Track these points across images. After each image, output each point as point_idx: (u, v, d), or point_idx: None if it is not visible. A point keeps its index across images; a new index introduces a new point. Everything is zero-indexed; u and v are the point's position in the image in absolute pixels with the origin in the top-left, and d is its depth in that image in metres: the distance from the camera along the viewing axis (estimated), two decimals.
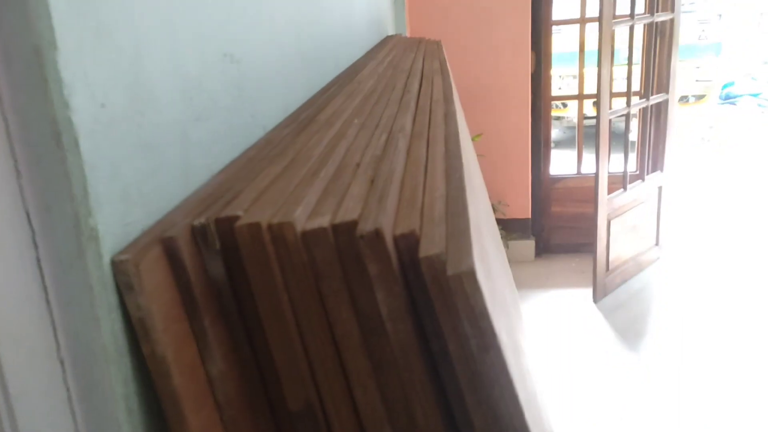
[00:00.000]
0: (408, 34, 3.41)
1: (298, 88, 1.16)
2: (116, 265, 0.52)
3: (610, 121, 3.19)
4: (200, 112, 0.71)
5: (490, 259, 0.87)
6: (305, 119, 1.06)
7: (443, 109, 1.25)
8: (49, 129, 0.47)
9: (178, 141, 0.65)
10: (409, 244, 0.63)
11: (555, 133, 6.65)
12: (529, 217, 3.68)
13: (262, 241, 0.60)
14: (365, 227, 0.61)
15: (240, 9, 0.85)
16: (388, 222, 0.64)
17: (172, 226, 0.59)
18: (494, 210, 3.42)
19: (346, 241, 0.62)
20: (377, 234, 0.60)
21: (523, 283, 3.57)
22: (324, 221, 0.62)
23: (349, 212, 0.65)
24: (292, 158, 0.82)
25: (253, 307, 0.62)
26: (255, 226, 0.59)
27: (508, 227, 3.59)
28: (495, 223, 2.33)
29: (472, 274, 0.55)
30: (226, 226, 0.61)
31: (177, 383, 0.55)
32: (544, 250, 3.78)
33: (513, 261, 3.57)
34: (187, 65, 0.68)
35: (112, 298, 0.52)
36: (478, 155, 2.93)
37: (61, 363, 0.52)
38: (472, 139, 3.20)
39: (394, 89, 1.44)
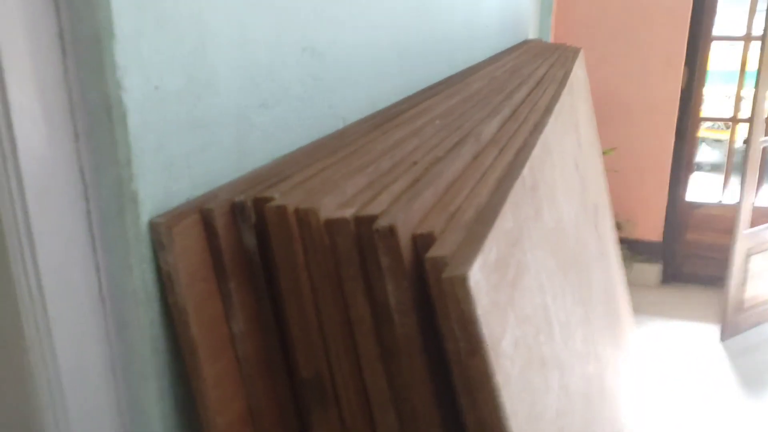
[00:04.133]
0: (552, 40, 3.34)
1: (393, 83, 1.21)
2: (153, 226, 0.60)
3: (765, 149, 2.94)
4: (266, 98, 0.79)
5: (537, 269, 0.87)
6: (391, 115, 1.11)
7: (537, 118, 1.24)
8: (102, 103, 0.56)
9: (235, 123, 0.73)
10: (426, 243, 0.66)
11: (714, 155, 6.18)
12: (660, 240, 3.47)
13: (287, 223, 0.66)
14: (382, 222, 0.65)
15: (328, 6, 0.92)
16: (408, 220, 0.68)
17: (214, 198, 0.67)
18: (619, 228, 3.27)
19: (366, 232, 0.66)
20: (391, 230, 0.64)
21: (644, 309, 3.39)
22: (348, 212, 0.67)
23: (376, 206, 0.69)
24: (354, 150, 0.87)
25: (279, 279, 0.69)
26: (282, 209, 0.65)
27: (634, 248, 3.42)
28: (610, 237, 2.25)
29: (463, 280, 0.58)
30: (263, 204, 0.68)
31: (194, 333, 0.62)
32: (672, 277, 3.56)
33: (635, 284, 3.40)
34: (257, 56, 0.76)
35: (146, 252, 0.60)
36: (609, 170, 2.82)
37: (102, 300, 0.61)
38: (605, 153, 3.08)
39: (500, 93, 1.44)
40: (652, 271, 3.51)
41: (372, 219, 0.66)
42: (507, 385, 0.62)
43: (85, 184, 0.58)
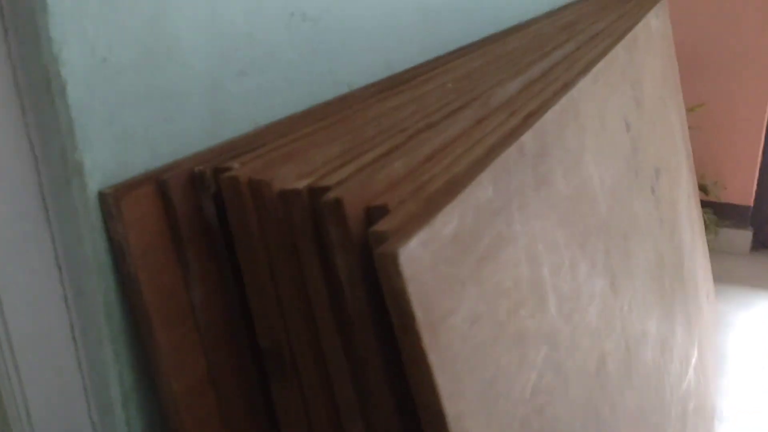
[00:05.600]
0: None
1: (415, 46, 1.18)
2: (102, 196, 0.62)
3: None
4: (245, 66, 0.78)
5: (531, 241, 0.83)
6: (403, 79, 1.08)
7: (566, 79, 1.17)
8: (41, 77, 0.57)
9: (207, 92, 0.73)
10: (380, 215, 0.65)
11: None
12: (751, 204, 3.23)
13: (240, 194, 0.66)
14: (330, 194, 0.63)
15: None
16: (366, 192, 0.66)
17: (176, 168, 0.68)
18: (706, 191, 3.07)
19: (319, 204, 0.65)
20: (337, 202, 0.63)
21: (730, 279, 3.18)
22: (302, 184, 0.66)
23: (336, 177, 0.68)
24: (342, 117, 0.86)
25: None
26: (235, 179, 0.66)
27: (721, 212, 3.19)
28: (683, 202, 2.11)
29: (394, 257, 0.56)
30: (222, 174, 0.68)
31: (147, 301, 0.64)
32: (764, 244, 3.31)
33: (722, 252, 3.19)
34: (231, 24, 0.75)
35: (97, 222, 0.62)
36: (692, 128, 2.63)
37: (59, 268, 0.64)
38: (692, 110, 2.87)
39: (536, 52, 1.36)
40: (742, 237, 3.27)
41: (325, 190, 0.65)
42: (450, 364, 0.61)
43: (35, 157, 0.61)
